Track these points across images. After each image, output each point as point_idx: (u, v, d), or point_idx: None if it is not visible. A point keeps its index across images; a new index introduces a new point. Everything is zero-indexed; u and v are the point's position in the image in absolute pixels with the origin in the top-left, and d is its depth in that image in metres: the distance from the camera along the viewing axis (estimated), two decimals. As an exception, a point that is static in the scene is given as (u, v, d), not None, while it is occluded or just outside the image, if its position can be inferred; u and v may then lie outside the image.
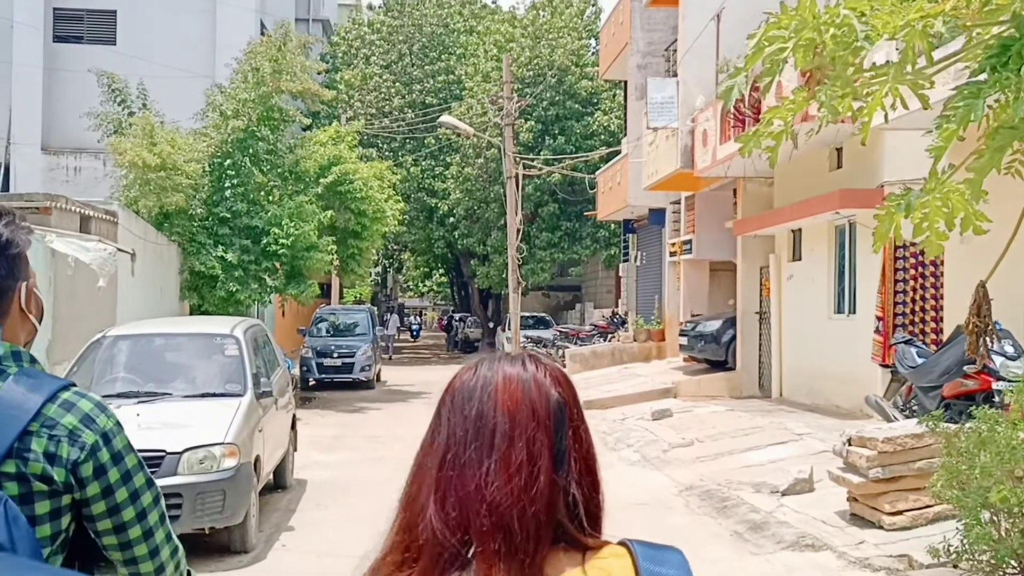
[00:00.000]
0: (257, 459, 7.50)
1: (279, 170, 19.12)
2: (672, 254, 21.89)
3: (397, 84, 33.67)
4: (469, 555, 1.19)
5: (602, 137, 30.86)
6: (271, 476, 9.19)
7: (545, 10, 32.16)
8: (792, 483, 8.65)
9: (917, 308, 12.21)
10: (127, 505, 1.70)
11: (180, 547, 1.81)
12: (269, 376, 8.80)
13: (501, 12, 37.47)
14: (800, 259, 15.30)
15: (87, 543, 1.71)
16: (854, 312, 13.36)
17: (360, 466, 11.37)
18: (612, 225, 31.07)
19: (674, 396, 16.96)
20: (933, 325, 11.98)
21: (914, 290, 12.25)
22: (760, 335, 17.10)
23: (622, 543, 1.24)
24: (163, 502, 1.75)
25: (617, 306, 27.50)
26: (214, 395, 7.64)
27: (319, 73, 21.64)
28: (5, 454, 1.56)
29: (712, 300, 21.19)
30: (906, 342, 9.66)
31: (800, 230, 15.18)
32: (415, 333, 50.42)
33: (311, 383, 21.92)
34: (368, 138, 31.35)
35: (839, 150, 13.89)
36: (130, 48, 24.98)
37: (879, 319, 12.25)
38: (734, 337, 17.50)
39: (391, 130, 32.63)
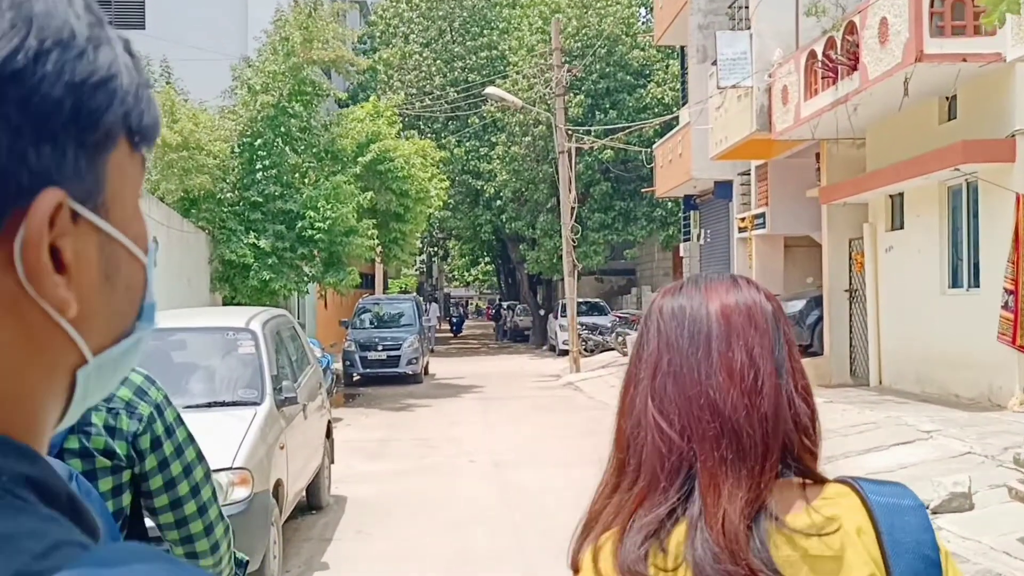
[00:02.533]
0: (278, 485, 5.96)
1: (314, 149, 17.66)
2: (741, 230, 20.05)
3: (438, 62, 32.06)
4: (694, 464, 1.11)
5: (656, 110, 29.01)
6: (303, 495, 7.68)
7: (592, -22, 30.28)
8: (947, 498, 6.90)
9: (1061, 278, 10.32)
10: (181, 479, 1.70)
11: (231, 526, 1.81)
12: (296, 377, 7.26)
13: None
14: (902, 227, 13.43)
15: (139, 530, 1.64)
16: (975, 286, 11.49)
17: (409, 478, 9.82)
18: (669, 203, 29.22)
19: (755, 386, 15.19)
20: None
21: (1054, 258, 10.36)
22: (851, 316, 15.26)
23: (843, 481, 1.16)
24: (212, 478, 1.76)
25: (679, 289, 25.69)
26: (223, 404, 6.09)
27: (354, 43, 20.16)
28: (68, 429, 1.40)
29: (788, 279, 19.35)
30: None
31: (902, 194, 13.31)
32: (456, 326, 43.46)
33: (355, 378, 20.51)
34: (409, 119, 29.84)
35: (951, 99, 12.00)
36: (160, 32, 23.70)
37: (1009, 293, 10.38)
38: (820, 319, 15.67)
39: (433, 110, 31.06)
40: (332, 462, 8.78)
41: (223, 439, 5.44)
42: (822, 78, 13.06)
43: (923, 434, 9.42)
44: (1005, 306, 10.36)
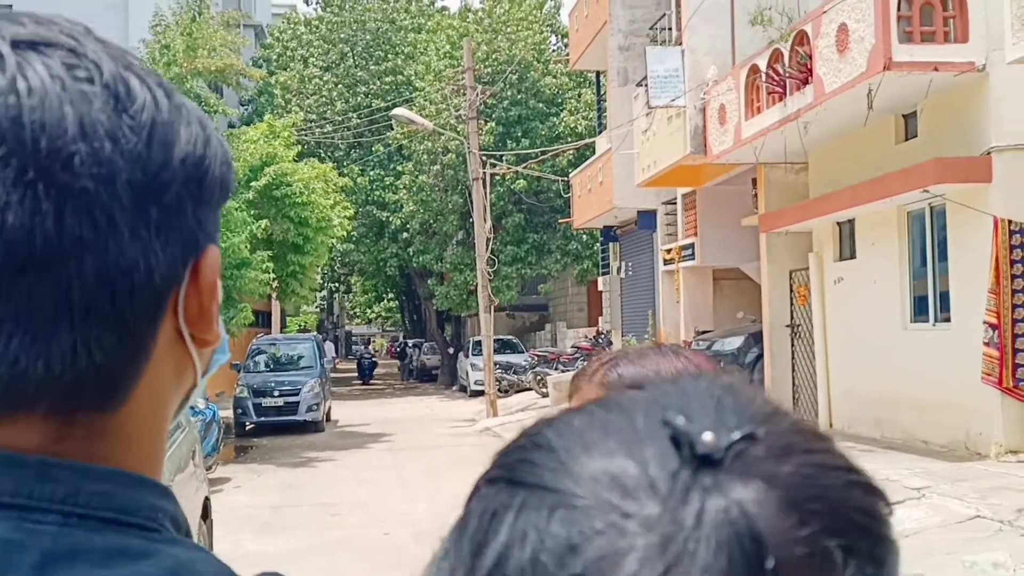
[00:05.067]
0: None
1: (201, 173, 15.75)
2: (667, 262, 18.92)
3: (339, 86, 30.36)
4: None
5: (569, 140, 27.89)
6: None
7: (502, 3, 29.13)
8: (989, 585, 5.57)
9: (1049, 311, 9.30)
10: None
11: None
12: (159, 448, 5.51)
13: (450, 14, 34.42)
14: (853, 256, 12.36)
15: None
16: (945, 319, 10.42)
17: (310, 560, 8.03)
18: (584, 236, 28.08)
19: (694, 431, 13.90)
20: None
21: (1038, 287, 9.34)
22: (792, 353, 14.15)
23: None
24: None
25: (598, 324, 24.44)
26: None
27: (248, 62, 18.38)
28: None
29: (717, 313, 18.28)
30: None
31: (852, 221, 12.26)
32: (366, 371, 36.52)
33: (247, 427, 18.46)
34: (309, 146, 28.00)
35: (908, 117, 11.01)
36: (27, 44, 21.42)
37: (993, 328, 9.32)
38: (760, 356, 14.53)
39: (334, 137, 29.30)
40: (211, 548, 6.96)
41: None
42: (767, 94, 11.96)
43: (912, 492, 8.15)
44: (989, 343, 9.28)
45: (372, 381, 36.79)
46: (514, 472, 0.39)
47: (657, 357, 1.28)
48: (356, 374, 37.99)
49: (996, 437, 9.40)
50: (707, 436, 0.37)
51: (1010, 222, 9.34)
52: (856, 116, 10.53)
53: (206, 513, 6.77)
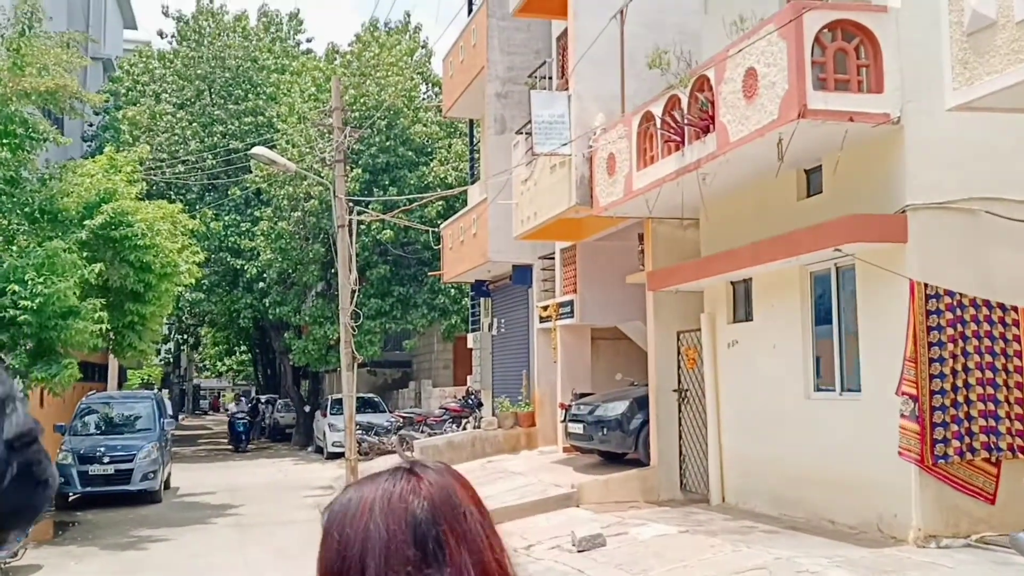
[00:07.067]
0: None
1: (26, 208, 13.83)
2: (543, 319, 17.96)
3: (194, 125, 28.38)
4: None
5: (439, 190, 26.84)
6: None
7: (371, 47, 28.00)
8: None
9: (969, 381, 8.67)
10: None
11: None
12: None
13: (316, 56, 33.04)
14: (749, 318, 11.63)
15: None
16: (854, 388, 9.71)
17: None
18: (452, 290, 26.94)
19: (577, 504, 12.81)
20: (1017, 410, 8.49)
21: (954, 356, 8.72)
22: (679, 420, 13.30)
23: None
24: None
25: (466, 383, 23.19)
26: None
27: (103, 99, 16.56)
28: None
29: (594, 374, 17.38)
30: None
31: (749, 280, 11.55)
32: (242, 436, 30.03)
33: (71, 499, 16.21)
34: (158, 187, 25.90)
35: (811, 172, 10.41)
36: None
37: (912, 399, 8.62)
38: (645, 422, 13.61)
39: (187, 178, 27.25)
40: None
41: None
42: (663, 143, 11.18)
43: (840, 586, 7.23)
44: (908, 415, 8.56)
45: (218, 440, 34.14)
46: None
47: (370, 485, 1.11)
48: (205, 431, 35.20)
49: (915, 520, 8.65)
50: None
51: (926, 286, 8.74)
52: (763, 167, 9.83)
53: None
